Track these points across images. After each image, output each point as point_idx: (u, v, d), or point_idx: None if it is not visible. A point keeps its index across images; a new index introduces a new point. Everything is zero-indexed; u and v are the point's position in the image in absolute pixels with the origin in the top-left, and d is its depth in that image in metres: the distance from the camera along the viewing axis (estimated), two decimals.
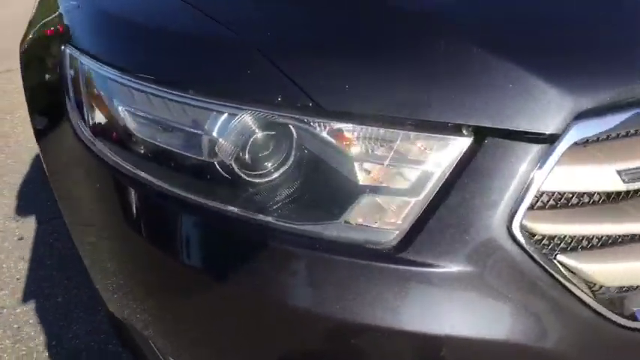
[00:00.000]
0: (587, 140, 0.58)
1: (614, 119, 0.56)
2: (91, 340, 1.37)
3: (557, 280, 0.57)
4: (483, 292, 0.57)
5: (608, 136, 0.58)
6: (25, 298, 1.53)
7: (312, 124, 0.56)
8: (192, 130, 0.61)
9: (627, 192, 0.61)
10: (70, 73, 0.76)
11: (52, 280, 1.57)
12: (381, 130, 0.56)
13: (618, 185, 0.57)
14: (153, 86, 0.63)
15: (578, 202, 0.60)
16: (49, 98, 0.85)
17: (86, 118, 0.73)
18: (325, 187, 0.58)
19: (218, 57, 0.62)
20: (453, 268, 0.56)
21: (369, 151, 0.56)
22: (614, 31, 0.59)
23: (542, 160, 0.54)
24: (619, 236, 0.62)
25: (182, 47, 0.65)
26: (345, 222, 0.57)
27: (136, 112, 0.66)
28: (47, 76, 0.85)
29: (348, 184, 0.57)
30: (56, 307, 1.49)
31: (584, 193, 0.60)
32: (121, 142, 0.68)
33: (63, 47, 0.80)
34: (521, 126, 0.55)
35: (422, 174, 0.56)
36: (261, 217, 0.60)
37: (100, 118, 0.71)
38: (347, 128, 0.56)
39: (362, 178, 0.57)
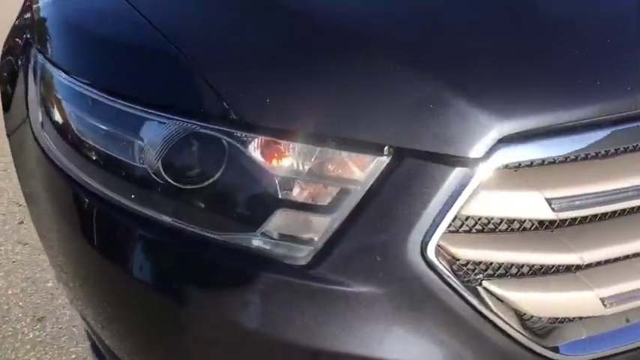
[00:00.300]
0: (520, 165, 0.56)
1: (543, 145, 0.54)
2: (72, 326, 1.42)
3: (472, 306, 0.56)
4: (395, 315, 0.55)
5: (543, 161, 0.57)
6: (17, 282, 1.59)
7: (235, 137, 0.56)
8: (126, 135, 0.62)
9: (564, 220, 0.59)
10: (32, 71, 0.78)
11: (44, 265, 1.63)
12: (302, 146, 0.55)
13: (547, 214, 0.55)
14: (94, 91, 0.64)
15: (507, 229, 0.58)
16: (15, 96, 0.87)
17: (42, 116, 0.75)
18: (247, 199, 0.58)
19: (154, 66, 0.62)
20: (365, 288, 0.55)
21: (290, 166, 0.56)
22: (542, 57, 0.56)
23: (462, 184, 0.53)
24: (552, 266, 0.60)
25: (122, 54, 0.66)
26: (262, 234, 0.57)
27: (81, 115, 0.67)
28: (15, 74, 0.87)
29: (267, 197, 0.56)
30: (45, 291, 1.54)
31: (514, 220, 0.58)
32: (67, 142, 0.70)
33: (30, 47, 0.82)
34: (442, 149, 0.53)
35: (340, 192, 0.55)
36: (187, 225, 0.60)
37: (52, 117, 0.72)
38: (269, 142, 0.56)
39: (281, 193, 0.56)
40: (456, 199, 0.52)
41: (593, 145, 0.56)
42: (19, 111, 0.84)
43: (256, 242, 0.57)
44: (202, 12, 0.66)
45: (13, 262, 1.66)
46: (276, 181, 0.56)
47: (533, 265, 0.59)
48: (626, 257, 0.62)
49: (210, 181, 0.58)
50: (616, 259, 0.62)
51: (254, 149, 0.56)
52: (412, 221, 0.53)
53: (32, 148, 0.77)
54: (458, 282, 0.55)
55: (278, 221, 0.56)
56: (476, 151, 0.52)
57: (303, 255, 0.56)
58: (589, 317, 0.63)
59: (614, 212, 0.60)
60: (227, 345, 0.59)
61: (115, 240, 0.65)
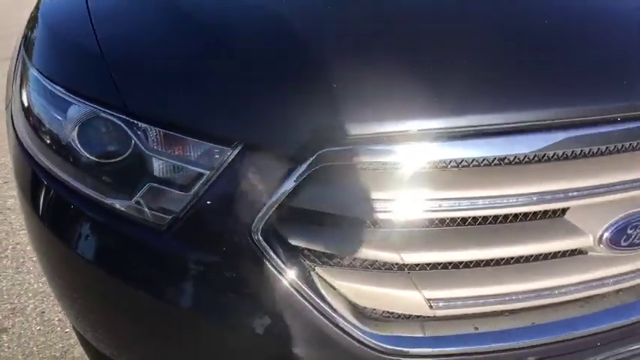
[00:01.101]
0: (344, 166, 0.64)
1: (359, 150, 0.63)
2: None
3: (294, 286, 0.64)
4: (228, 284, 0.66)
5: (369, 164, 0.64)
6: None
7: (125, 122, 0.70)
8: (57, 115, 0.77)
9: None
10: (19, 66, 0.96)
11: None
12: (172, 135, 0.68)
13: (369, 212, 0.63)
14: (41, 77, 0.80)
15: (335, 222, 0.66)
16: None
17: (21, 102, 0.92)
18: (131, 173, 0.71)
19: (81, 60, 0.78)
20: (208, 257, 0.66)
21: (161, 150, 0.68)
22: (366, 78, 0.65)
23: (289, 179, 0.62)
24: (385, 263, 0.67)
25: (65, 49, 0.82)
26: (136, 202, 0.69)
27: (37, 97, 0.83)
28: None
29: (143, 173, 0.69)
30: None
31: (345, 216, 0.66)
32: (26, 119, 0.86)
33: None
34: (275, 148, 0.63)
35: (197, 175, 0.67)
36: (91, 191, 0.74)
37: (22, 99, 0.89)
38: (148, 128, 0.69)
39: (153, 170, 0.69)
40: (283, 191, 0.62)
41: (416, 154, 0.63)
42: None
43: (130, 208, 0.70)
44: (135, 23, 0.81)
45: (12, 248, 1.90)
46: (153, 160, 0.69)
47: (365, 260, 0.67)
48: (464, 265, 0.69)
49: (116, 157, 0.71)
50: (453, 266, 0.68)
51: (137, 134, 0.69)
52: (246, 206, 0.64)
53: (10, 126, 0.94)
54: (281, 263, 0.64)
55: (148, 193, 0.69)
56: (303, 152, 0.62)
57: (165, 222, 0.68)
58: (437, 319, 0.69)
59: (452, 220, 0.67)
60: (103, 288, 0.73)
61: (41, 198, 0.80)
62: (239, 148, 0.64)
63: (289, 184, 0.62)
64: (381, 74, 0.66)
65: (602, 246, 0.68)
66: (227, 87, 0.67)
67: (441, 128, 0.63)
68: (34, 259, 1.83)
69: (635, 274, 0.73)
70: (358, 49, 0.70)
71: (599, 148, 0.68)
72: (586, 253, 0.71)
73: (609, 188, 0.66)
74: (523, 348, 0.70)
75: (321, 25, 0.75)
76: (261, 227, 0.63)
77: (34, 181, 0.82)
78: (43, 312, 1.58)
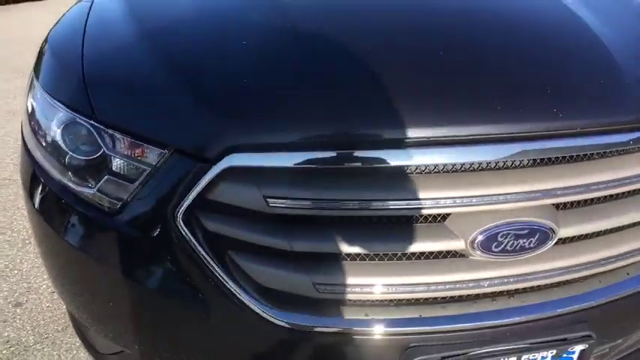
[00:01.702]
0: (250, 168, 0.77)
1: (271, 156, 0.77)
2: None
3: (208, 265, 0.79)
4: (158, 257, 0.82)
5: (272, 168, 0.77)
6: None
7: (93, 127, 0.87)
8: (48, 119, 0.96)
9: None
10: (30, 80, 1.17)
11: None
12: (124, 138, 0.84)
13: (264, 207, 0.77)
14: (42, 91, 1.00)
15: (247, 213, 0.80)
16: None
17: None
18: (95, 167, 0.88)
19: (66, 76, 0.97)
20: (143, 236, 0.82)
21: (115, 148, 0.85)
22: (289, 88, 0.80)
23: (203, 176, 0.77)
24: (285, 250, 0.80)
25: (58, 68, 1.01)
26: (97, 190, 0.86)
27: (36, 105, 1.03)
28: None
29: (103, 168, 0.86)
30: None
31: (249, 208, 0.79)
32: (29, 122, 1.05)
33: None
34: (194, 151, 0.79)
35: (141, 170, 0.83)
36: (66, 180, 0.91)
37: (28, 107, 1.09)
38: (108, 133, 0.86)
39: (111, 166, 0.85)
40: (197, 185, 0.77)
41: (314, 160, 0.76)
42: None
43: (94, 195, 0.87)
44: (111, 52, 0.98)
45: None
46: (109, 157, 0.86)
47: (267, 247, 0.80)
48: (352, 258, 0.80)
49: (91, 155, 0.89)
50: (344, 257, 0.80)
51: (102, 137, 0.86)
52: (171, 196, 0.79)
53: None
54: (202, 246, 0.79)
55: (105, 183, 0.85)
56: (214, 154, 0.77)
57: (116, 207, 0.84)
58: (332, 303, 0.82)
59: (340, 218, 0.79)
60: (69, 256, 0.91)
61: (33, 184, 0.99)
62: (170, 152, 0.80)
63: (203, 182, 0.76)
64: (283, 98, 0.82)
65: (476, 250, 0.78)
66: (163, 105, 0.84)
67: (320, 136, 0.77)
68: None
69: (517, 279, 0.83)
70: (269, 73, 0.85)
71: (479, 164, 0.79)
72: (467, 256, 0.81)
73: (481, 199, 0.77)
74: (407, 334, 0.81)
75: (247, 52, 0.91)
76: (181, 214, 0.78)
77: (29, 171, 1.01)
78: (53, 292, 1.79)
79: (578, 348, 0.85)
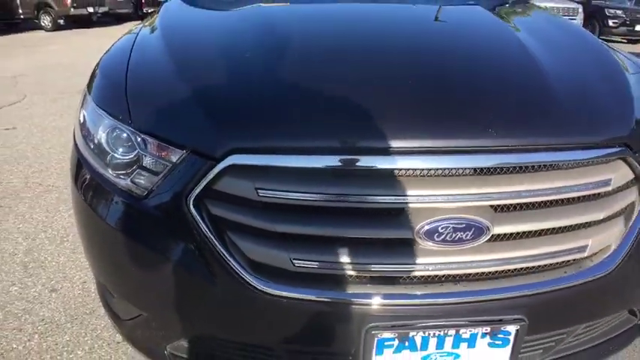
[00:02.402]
0: (248, 165, 0.99)
1: (258, 157, 0.99)
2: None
3: (210, 241, 1.00)
4: (173, 233, 1.04)
5: (265, 166, 0.99)
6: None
7: (130, 132, 1.12)
8: (96, 126, 1.21)
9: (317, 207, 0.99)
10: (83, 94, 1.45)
11: None
12: (152, 140, 1.08)
13: (253, 195, 0.98)
14: (92, 103, 1.26)
15: (242, 201, 1.01)
16: None
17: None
18: (130, 163, 1.12)
19: (112, 91, 1.23)
20: (163, 215, 1.04)
21: (147, 148, 1.09)
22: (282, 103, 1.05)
23: (206, 171, 0.99)
24: (274, 232, 1.01)
25: (106, 85, 1.28)
26: (130, 180, 1.10)
27: (87, 114, 1.29)
28: None
29: (134, 163, 1.10)
30: None
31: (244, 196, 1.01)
32: (80, 129, 1.31)
33: None
34: (203, 150, 1.01)
35: (162, 165, 1.06)
36: (107, 173, 1.15)
37: (80, 117, 1.36)
38: (142, 136, 1.10)
39: (142, 162, 1.09)
40: (206, 178, 0.99)
41: (293, 162, 0.98)
42: None
43: (128, 185, 1.10)
44: (147, 73, 1.26)
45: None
46: (141, 156, 1.10)
47: (256, 228, 1.01)
48: (324, 239, 1.00)
49: (128, 156, 1.13)
50: (316, 238, 1.00)
51: (138, 141, 1.11)
52: (185, 186, 1.01)
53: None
54: (207, 225, 1.00)
55: (138, 174, 1.09)
56: (220, 155, 0.99)
57: (144, 194, 1.07)
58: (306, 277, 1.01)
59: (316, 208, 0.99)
60: (105, 231, 1.14)
61: (80, 177, 1.24)
62: (187, 152, 1.03)
63: (210, 175, 0.99)
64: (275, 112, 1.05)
65: (422, 239, 0.97)
66: (184, 117, 1.08)
67: (305, 147, 0.99)
68: None
69: (458, 265, 1.01)
70: (262, 99, 1.09)
71: (429, 171, 0.98)
72: (416, 244, 1.00)
73: (429, 199, 0.96)
74: (366, 305, 0.99)
75: (249, 74, 1.17)
76: (192, 200, 1.00)
77: (78, 166, 1.26)
78: (85, 282, 2.04)
79: (512, 328, 1.02)
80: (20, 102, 5.44)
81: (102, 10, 16.70)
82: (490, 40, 1.44)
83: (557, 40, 1.50)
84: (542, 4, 14.99)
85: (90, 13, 16.11)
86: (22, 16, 15.63)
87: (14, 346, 1.70)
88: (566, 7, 14.25)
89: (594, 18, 15.26)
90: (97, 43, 11.26)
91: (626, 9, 15.25)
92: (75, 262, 2.19)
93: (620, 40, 14.62)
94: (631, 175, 1.11)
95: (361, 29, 1.55)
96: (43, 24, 15.36)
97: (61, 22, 15.28)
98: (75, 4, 15.33)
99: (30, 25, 15.73)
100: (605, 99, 1.19)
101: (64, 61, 8.52)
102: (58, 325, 1.80)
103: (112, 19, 17.80)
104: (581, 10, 14.47)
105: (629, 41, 14.56)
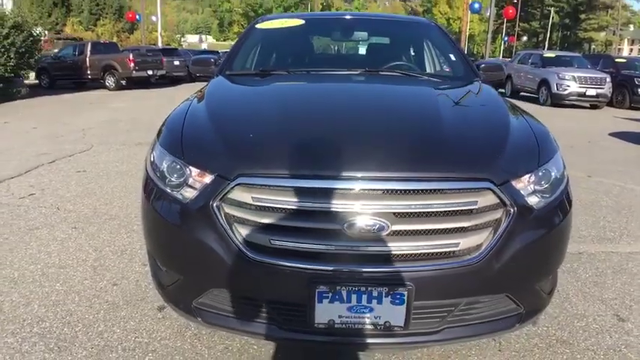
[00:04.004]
0: (252, 184, 1.69)
1: (255, 179, 1.68)
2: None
3: (225, 229, 1.68)
4: (201, 223, 1.72)
5: (264, 184, 1.68)
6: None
7: (183, 164, 1.84)
8: (161, 161, 1.95)
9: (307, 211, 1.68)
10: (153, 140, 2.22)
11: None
12: (195, 170, 1.80)
13: (250, 201, 1.67)
14: (159, 146, 2.01)
15: (243, 205, 1.70)
16: None
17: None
18: (181, 184, 1.83)
19: (172, 138, 1.98)
20: (198, 211, 1.74)
21: (192, 174, 1.80)
22: (283, 141, 1.75)
23: (225, 186, 1.70)
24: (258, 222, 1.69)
25: (168, 133, 2.04)
26: (179, 194, 1.81)
27: (155, 154, 2.04)
28: None
29: (183, 183, 1.81)
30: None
31: (244, 202, 1.69)
32: (151, 164, 2.06)
33: None
34: (223, 174, 1.71)
35: (199, 184, 1.76)
36: (166, 189, 1.87)
37: (149, 157, 2.11)
38: (190, 168, 1.82)
39: (189, 182, 1.80)
40: (224, 191, 1.69)
41: (277, 182, 1.67)
42: None
43: (177, 195, 1.81)
44: (194, 126, 2.02)
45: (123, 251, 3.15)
46: (188, 179, 1.81)
47: (251, 220, 1.69)
48: (291, 228, 1.66)
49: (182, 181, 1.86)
50: (285, 227, 1.66)
51: (186, 170, 1.82)
52: (211, 196, 1.71)
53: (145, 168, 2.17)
54: (223, 219, 1.69)
55: (185, 190, 1.80)
56: (232, 177, 1.69)
57: (188, 200, 1.78)
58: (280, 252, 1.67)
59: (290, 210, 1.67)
60: (160, 222, 1.85)
61: (148, 191, 1.97)
62: (214, 176, 1.74)
63: (227, 189, 1.69)
64: (277, 152, 1.76)
65: (347, 229, 1.61)
66: (214, 155, 1.80)
67: (296, 174, 1.67)
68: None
69: (370, 248, 1.64)
70: (262, 143, 1.81)
71: (352, 189, 1.64)
72: (344, 233, 1.63)
73: (352, 206, 1.61)
74: (312, 269, 1.63)
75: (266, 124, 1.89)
76: (216, 203, 1.70)
77: (147, 184, 1.99)
78: (138, 280, 2.74)
79: (404, 291, 1.62)
80: (88, 150, 6.48)
81: (160, 73, 18.59)
82: (414, 113, 2.14)
83: (470, 107, 2.21)
84: (571, 74, 15.33)
85: (149, 75, 17.98)
86: (89, 77, 17.68)
87: (87, 316, 2.39)
88: (593, 77, 14.86)
89: (624, 87, 15.63)
90: (154, 103, 12.80)
91: None
92: (131, 268, 2.90)
93: None
94: (497, 200, 1.72)
95: (334, 100, 2.32)
96: (107, 84, 17.25)
97: (124, 82, 17.15)
98: (137, 68, 17.21)
99: (96, 84, 17.64)
100: (481, 149, 1.84)
101: (125, 118, 9.77)
102: (118, 306, 2.49)
103: (168, 80, 19.68)
104: (608, 79, 14.99)
105: None
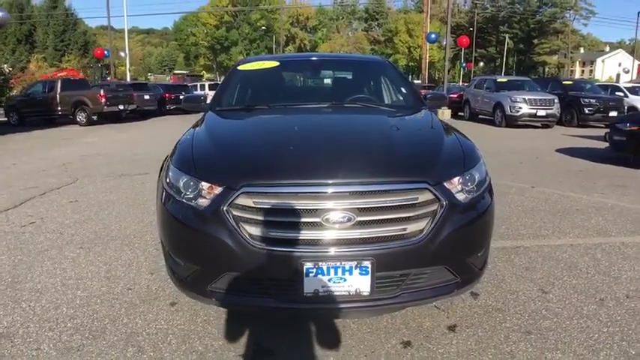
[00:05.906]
0: (253, 192, 2.27)
1: (256, 187, 2.26)
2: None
3: (234, 227, 2.24)
4: (214, 223, 2.28)
5: (263, 192, 2.26)
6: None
7: (196, 180, 2.40)
8: (176, 179, 2.50)
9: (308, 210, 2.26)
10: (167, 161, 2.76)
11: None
12: (206, 183, 2.36)
13: (251, 204, 2.24)
14: (172, 166, 2.57)
15: (247, 207, 2.26)
16: None
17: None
18: (195, 196, 2.39)
19: (184, 159, 2.55)
20: (211, 215, 2.29)
21: (204, 187, 2.36)
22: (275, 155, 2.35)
23: (232, 194, 2.26)
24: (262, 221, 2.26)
25: (180, 156, 2.61)
26: (194, 203, 2.36)
27: (170, 173, 2.58)
28: None
29: (197, 195, 2.37)
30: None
31: (247, 205, 2.26)
32: (165, 180, 2.60)
33: None
34: (230, 185, 2.28)
35: (211, 194, 2.33)
36: (180, 198, 2.42)
37: (164, 176, 2.65)
38: (201, 183, 2.37)
39: (202, 194, 2.36)
40: (231, 198, 2.26)
41: (273, 188, 2.26)
42: None
43: (192, 204, 2.36)
44: (202, 148, 2.60)
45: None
46: (200, 191, 2.37)
47: (254, 219, 2.26)
48: (283, 224, 2.24)
49: (194, 196, 2.41)
50: (278, 222, 2.24)
51: (199, 185, 2.38)
52: (222, 202, 2.27)
53: (159, 184, 2.71)
54: (232, 219, 2.25)
55: (198, 200, 2.36)
56: (237, 187, 2.26)
57: (202, 207, 2.33)
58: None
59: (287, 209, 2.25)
60: (174, 224, 2.41)
61: (164, 199, 2.50)
62: (223, 187, 2.30)
63: (233, 196, 2.25)
64: (273, 168, 2.35)
65: (325, 222, 2.20)
66: (221, 171, 2.38)
67: (289, 183, 2.26)
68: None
69: (342, 233, 2.23)
70: (259, 160, 2.41)
71: (330, 192, 2.24)
72: (323, 224, 2.22)
73: (327, 204, 2.21)
74: (301, 252, 2.20)
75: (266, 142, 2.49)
76: (225, 207, 2.25)
77: (165, 196, 2.53)
78: (149, 285, 3.22)
79: (368, 264, 2.20)
80: (74, 183, 6.86)
81: (131, 107, 18.95)
82: (370, 135, 2.81)
83: (414, 129, 2.93)
84: (522, 97, 16.66)
85: (120, 110, 18.31)
86: (60, 113, 17.86)
87: (111, 313, 2.86)
88: (543, 99, 16.14)
89: (572, 107, 16.88)
90: (127, 136, 13.20)
91: (599, 98, 16.97)
92: (141, 276, 3.39)
93: (598, 125, 15.67)
94: (432, 197, 2.35)
95: (309, 127, 2.97)
96: (78, 119, 17.46)
97: (95, 118, 17.41)
98: (108, 103, 17.54)
99: (66, 120, 17.79)
100: (421, 159, 2.50)
101: (102, 152, 10.14)
102: (135, 304, 2.97)
103: (139, 114, 20.02)
104: (557, 100, 16.28)
105: (607, 126, 15.88)
